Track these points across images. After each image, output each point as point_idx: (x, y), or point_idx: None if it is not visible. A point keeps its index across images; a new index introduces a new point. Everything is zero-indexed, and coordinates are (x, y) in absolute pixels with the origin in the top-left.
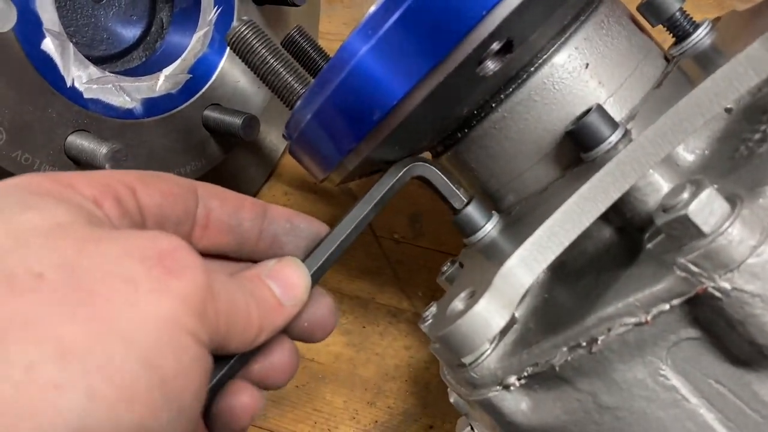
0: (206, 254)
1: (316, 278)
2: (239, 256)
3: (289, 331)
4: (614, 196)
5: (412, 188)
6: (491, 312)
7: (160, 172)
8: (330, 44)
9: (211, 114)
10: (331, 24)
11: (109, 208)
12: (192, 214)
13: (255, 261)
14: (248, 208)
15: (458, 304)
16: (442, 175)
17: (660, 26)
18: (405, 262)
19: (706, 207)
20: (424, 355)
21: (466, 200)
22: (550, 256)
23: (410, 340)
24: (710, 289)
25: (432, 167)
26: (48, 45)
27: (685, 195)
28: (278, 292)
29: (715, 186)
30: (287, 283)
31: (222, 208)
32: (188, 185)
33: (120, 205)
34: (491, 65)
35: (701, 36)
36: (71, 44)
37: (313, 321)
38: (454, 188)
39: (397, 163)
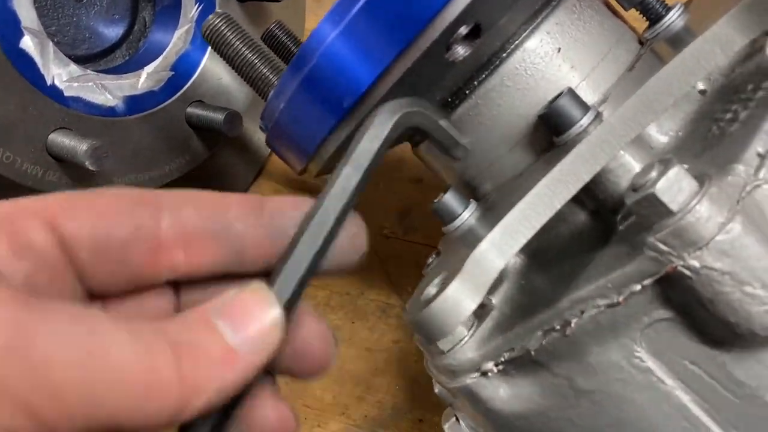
0: (200, 279)
1: (295, 298)
2: (246, 271)
3: (271, 367)
4: (585, 177)
5: (402, 183)
6: (463, 295)
7: (102, 189)
8: None
9: (194, 111)
10: (319, 21)
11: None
12: (149, 231)
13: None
14: (235, 206)
15: (431, 289)
16: (441, 123)
17: (633, 10)
18: (395, 257)
19: (674, 185)
20: (413, 349)
21: (468, 149)
22: (522, 240)
23: (399, 335)
24: (680, 268)
25: (426, 113)
26: (27, 43)
27: (654, 174)
28: (229, 336)
29: (685, 165)
30: (243, 321)
31: (199, 214)
32: (137, 197)
33: (14, 240)
34: (460, 50)
35: (673, 18)
36: (51, 42)
37: (300, 355)
38: (456, 137)
39: (379, 109)
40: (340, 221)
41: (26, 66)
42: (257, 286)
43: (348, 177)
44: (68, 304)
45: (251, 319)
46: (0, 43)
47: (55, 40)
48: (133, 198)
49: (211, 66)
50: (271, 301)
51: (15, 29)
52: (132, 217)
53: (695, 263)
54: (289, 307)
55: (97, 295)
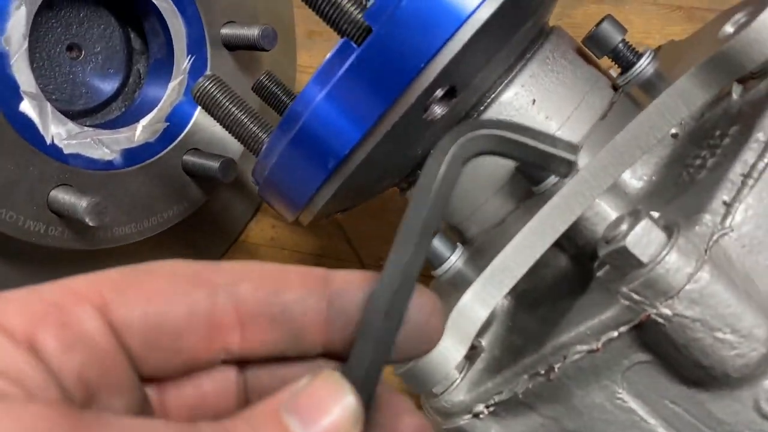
0: (256, 362)
1: (372, 384)
2: (305, 352)
3: None
4: (561, 228)
5: (398, 214)
6: (449, 348)
7: (156, 266)
8: (309, 78)
9: (190, 159)
10: (312, 57)
11: (46, 340)
12: (204, 315)
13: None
14: (296, 284)
15: None
16: (518, 137)
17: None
18: None
19: (643, 238)
20: None
21: (574, 157)
22: (504, 289)
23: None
24: (653, 316)
25: (495, 132)
26: (26, 106)
27: (624, 227)
28: None
29: (656, 215)
30: (316, 415)
31: (256, 293)
32: (192, 276)
33: (65, 332)
34: (438, 110)
35: (644, 65)
36: (48, 104)
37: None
38: (550, 149)
39: (434, 150)
40: (407, 296)
41: (26, 128)
42: (329, 375)
43: (415, 250)
44: (125, 419)
45: (324, 413)
46: (1, 109)
47: (53, 97)
48: (187, 277)
49: (204, 115)
50: (346, 391)
51: (14, 94)
52: (186, 299)
53: (667, 311)
54: (367, 395)
55: (151, 379)
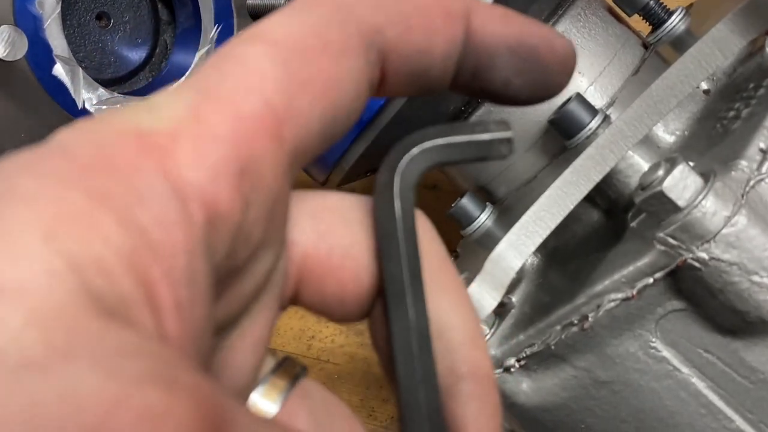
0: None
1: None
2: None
3: None
4: (595, 178)
5: (418, 190)
6: (483, 294)
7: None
8: None
9: None
10: None
11: (227, 204)
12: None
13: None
14: (440, 33)
15: None
16: (452, 139)
17: (637, 15)
18: None
19: (680, 182)
20: None
21: (509, 133)
22: (538, 239)
23: None
24: (689, 261)
25: (436, 141)
26: (59, 70)
27: (660, 172)
28: None
29: (691, 163)
30: None
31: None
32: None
33: (243, 185)
34: None
35: (675, 22)
36: (80, 68)
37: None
38: (486, 135)
39: (376, 191)
40: (430, 355)
41: (58, 92)
42: None
43: (414, 302)
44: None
45: None
46: (34, 72)
47: (83, 65)
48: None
49: None
50: None
51: (47, 57)
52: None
53: (704, 255)
54: None
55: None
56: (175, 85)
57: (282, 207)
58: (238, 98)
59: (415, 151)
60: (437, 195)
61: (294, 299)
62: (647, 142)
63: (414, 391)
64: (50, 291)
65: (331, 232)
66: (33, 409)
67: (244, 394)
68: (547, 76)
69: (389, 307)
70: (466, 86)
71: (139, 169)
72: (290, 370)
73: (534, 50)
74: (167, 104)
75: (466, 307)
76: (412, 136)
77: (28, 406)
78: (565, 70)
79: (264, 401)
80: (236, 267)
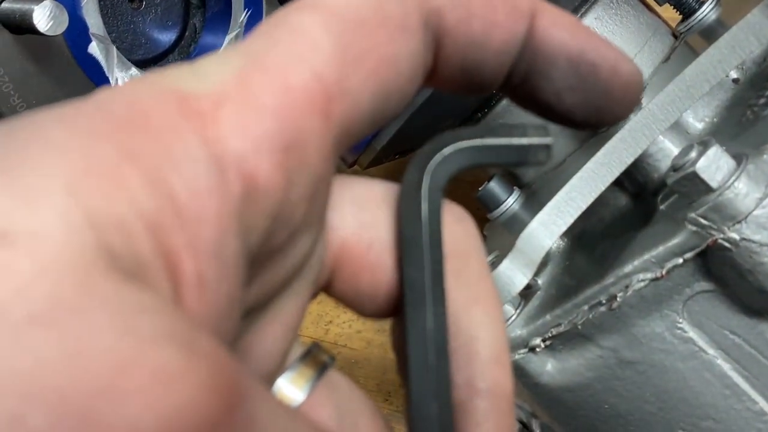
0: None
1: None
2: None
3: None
4: (627, 161)
5: None
6: (514, 271)
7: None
8: None
9: None
10: None
11: (266, 174)
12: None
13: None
14: (501, 27)
15: None
16: (491, 140)
17: (667, 5)
18: None
19: (712, 163)
20: None
21: (549, 139)
22: (569, 219)
23: None
24: (720, 241)
25: (470, 142)
26: (94, 48)
27: (693, 154)
28: None
29: (723, 146)
30: None
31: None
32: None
33: (288, 161)
34: None
35: (706, 11)
36: (114, 47)
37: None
38: (524, 140)
39: (403, 191)
40: (448, 379)
41: (93, 70)
42: None
43: (434, 310)
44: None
45: None
46: (71, 49)
47: (115, 45)
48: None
49: None
50: None
51: (84, 35)
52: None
53: (735, 236)
54: None
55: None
56: (224, 48)
57: (324, 189)
58: (288, 68)
59: (447, 150)
60: (455, 182)
61: (325, 287)
62: (677, 127)
63: (425, 406)
64: (65, 243)
65: (375, 225)
66: (37, 369)
67: (270, 380)
68: (604, 100)
69: (407, 314)
70: (514, 91)
71: (177, 132)
72: (318, 358)
73: (595, 68)
74: (213, 68)
75: (497, 323)
76: (444, 135)
77: (31, 365)
78: (627, 97)
79: (291, 388)
80: (273, 249)
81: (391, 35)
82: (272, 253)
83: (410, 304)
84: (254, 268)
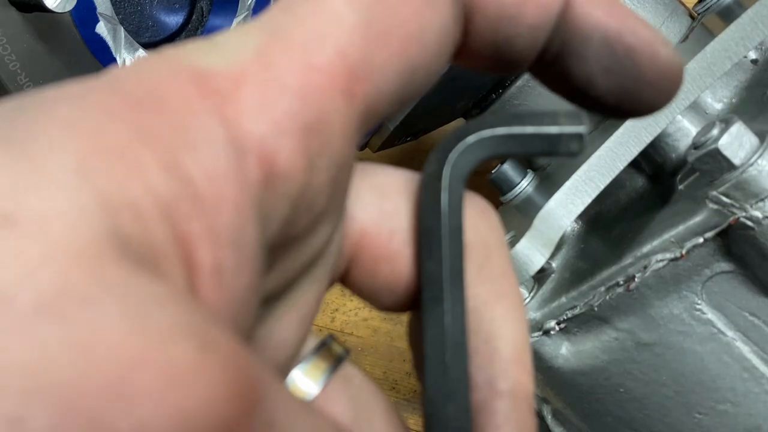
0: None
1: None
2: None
3: None
4: (646, 140)
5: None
6: (532, 250)
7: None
8: None
9: None
10: None
11: (287, 161)
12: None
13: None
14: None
15: None
16: (518, 128)
17: None
18: None
19: (735, 140)
20: None
21: (582, 128)
22: (587, 199)
23: None
24: (742, 219)
25: (495, 131)
26: (101, 28)
27: (715, 131)
28: None
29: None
30: None
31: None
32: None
33: (309, 144)
34: None
35: None
36: (122, 27)
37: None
38: (555, 129)
39: (424, 178)
40: (465, 376)
41: (100, 50)
42: None
43: (452, 305)
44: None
45: None
46: (78, 29)
47: (122, 27)
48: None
49: None
50: None
51: (92, 15)
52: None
53: (757, 214)
54: None
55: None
56: (240, 22)
57: (346, 174)
58: (310, 45)
59: (471, 139)
60: None
61: (341, 277)
62: (695, 107)
63: (442, 406)
64: (74, 227)
65: (396, 214)
66: (41, 363)
67: (284, 371)
68: (639, 86)
69: (424, 309)
70: (545, 71)
71: (193, 112)
72: (333, 350)
73: (631, 50)
74: (232, 44)
75: (520, 322)
76: (468, 123)
77: (35, 358)
78: (664, 85)
79: (306, 380)
80: (292, 236)
81: (417, 9)
82: (291, 241)
83: (428, 299)
84: (272, 257)
